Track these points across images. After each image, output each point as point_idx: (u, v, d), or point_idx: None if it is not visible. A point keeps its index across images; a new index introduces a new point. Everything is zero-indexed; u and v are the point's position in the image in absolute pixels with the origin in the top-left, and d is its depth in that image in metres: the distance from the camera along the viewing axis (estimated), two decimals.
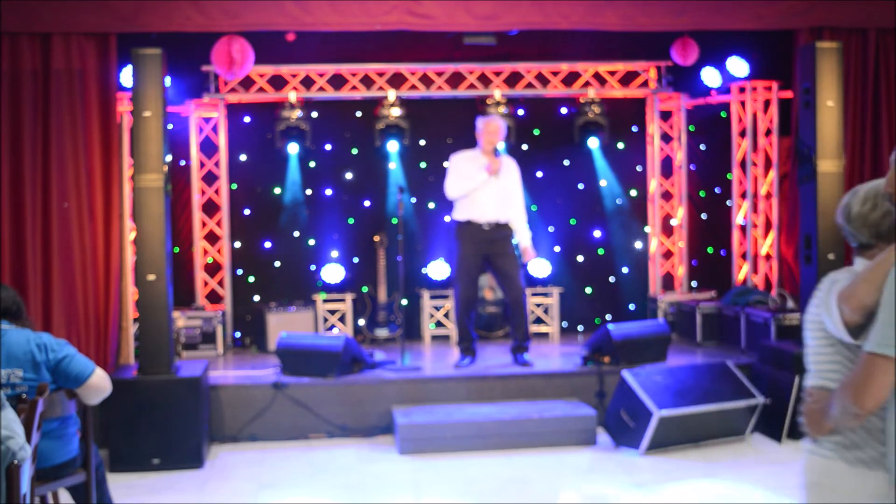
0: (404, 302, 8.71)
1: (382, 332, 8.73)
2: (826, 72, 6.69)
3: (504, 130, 7.41)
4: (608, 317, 9.06)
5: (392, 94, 8.54)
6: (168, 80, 6.59)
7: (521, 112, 9.04)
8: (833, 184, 6.71)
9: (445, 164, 7.62)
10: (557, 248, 9.23)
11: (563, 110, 9.18)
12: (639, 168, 9.41)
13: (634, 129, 9.37)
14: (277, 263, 9.01)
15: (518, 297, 7.34)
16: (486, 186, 7.30)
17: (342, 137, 9.03)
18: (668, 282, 9.43)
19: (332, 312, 8.80)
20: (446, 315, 8.93)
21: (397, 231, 7.85)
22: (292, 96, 8.48)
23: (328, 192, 9.03)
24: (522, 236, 7.42)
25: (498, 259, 7.35)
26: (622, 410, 6.45)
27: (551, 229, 9.16)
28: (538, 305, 9.04)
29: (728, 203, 9.14)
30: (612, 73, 8.90)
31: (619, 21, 7.35)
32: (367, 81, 8.66)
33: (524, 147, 9.03)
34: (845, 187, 7.01)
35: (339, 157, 9.03)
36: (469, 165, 7.34)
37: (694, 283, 9.42)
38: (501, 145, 7.41)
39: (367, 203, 9.08)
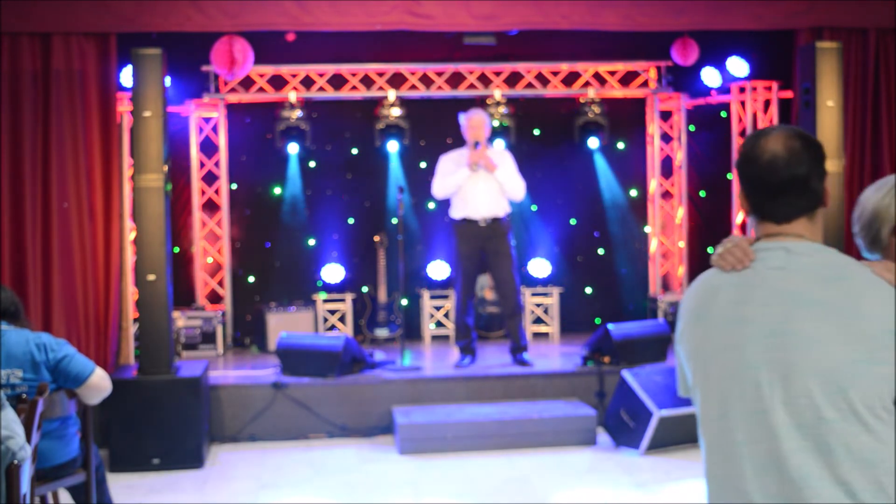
0: (404, 302, 8.71)
1: (382, 332, 8.72)
2: (826, 72, 6.69)
3: (488, 124, 7.36)
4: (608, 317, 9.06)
5: (392, 94, 8.54)
6: (168, 80, 6.59)
7: (521, 112, 9.03)
8: (833, 184, 6.69)
9: None
10: (557, 248, 9.23)
11: (563, 110, 9.17)
12: (639, 168, 9.41)
13: (634, 129, 9.37)
14: (277, 263, 9.01)
15: (512, 296, 7.34)
16: (475, 182, 7.26)
17: (342, 137, 9.02)
18: (668, 282, 9.42)
19: (332, 312, 8.80)
20: (446, 315, 8.93)
21: (397, 231, 7.85)
22: (292, 96, 8.48)
23: (328, 192, 9.02)
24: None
25: (492, 258, 7.35)
26: (622, 410, 6.45)
27: (551, 229, 9.16)
28: (538, 305, 9.03)
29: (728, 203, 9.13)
30: (612, 73, 8.90)
31: (619, 21, 7.34)
32: (367, 81, 8.65)
33: (524, 147, 9.02)
34: (845, 187, 7.02)
35: (339, 157, 9.02)
36: (453, 164, 7.34)
37: None
38: (481, 137, 7.28)
39: (367, 203, 9.08)
